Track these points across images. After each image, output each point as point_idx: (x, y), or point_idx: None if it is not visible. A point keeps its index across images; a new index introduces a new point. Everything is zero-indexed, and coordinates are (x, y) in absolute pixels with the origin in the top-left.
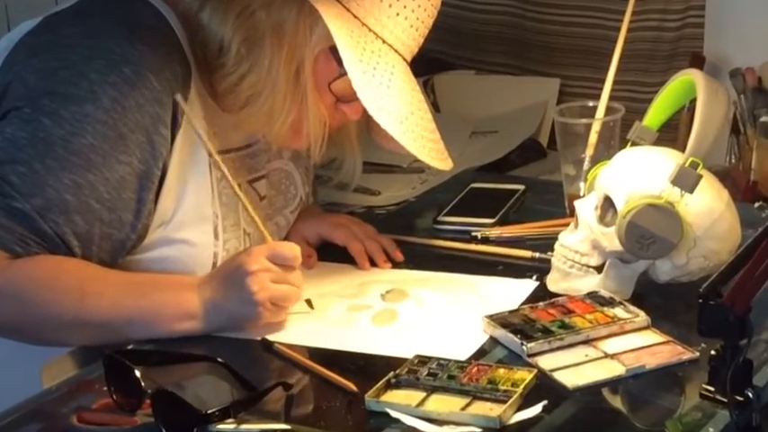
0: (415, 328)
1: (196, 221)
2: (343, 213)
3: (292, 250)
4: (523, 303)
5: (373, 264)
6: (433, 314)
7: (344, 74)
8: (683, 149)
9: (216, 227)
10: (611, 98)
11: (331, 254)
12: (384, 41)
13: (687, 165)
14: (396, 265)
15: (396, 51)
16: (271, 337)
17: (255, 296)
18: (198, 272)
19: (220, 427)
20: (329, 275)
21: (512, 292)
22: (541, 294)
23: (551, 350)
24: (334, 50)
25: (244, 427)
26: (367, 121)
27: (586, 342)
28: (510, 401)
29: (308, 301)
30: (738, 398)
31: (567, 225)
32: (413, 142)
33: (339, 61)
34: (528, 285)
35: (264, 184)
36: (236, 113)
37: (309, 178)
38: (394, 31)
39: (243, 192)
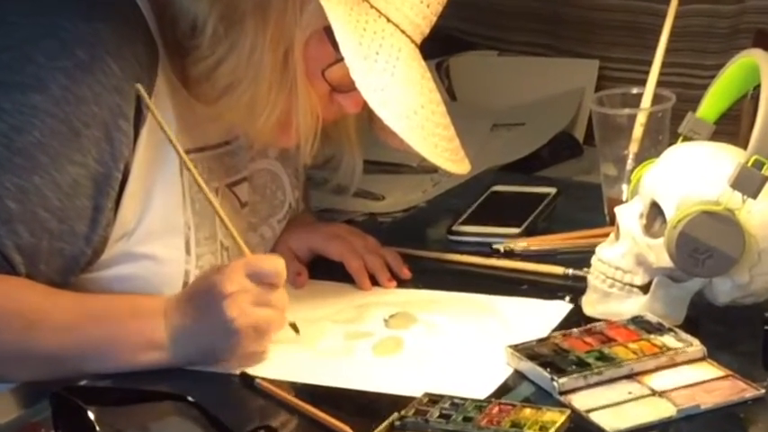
0: (424, 360)
1: (164, 233)
2: (339, 222)
3: (275, 264)
4: (554, 330)
5: (375, 282)
6: (445, 343)
7: (341, 59)
8: (744, 146)
9: (188, 240)
10: (660, 84)
11: (325, 271)
12: (389, 20)
13: (750, 164)
14: (402, 283)
15: (402, 32)
16: (251, 371)
17: (234, 323)
18: (165, 293)
19: None
20: (322, 296)
21: (540, 317)
22: (576, 319)
23: (587, 386)
24: (328, 31)
25: None
26: (369, 114)
27: (630, 377)
28: None
29: (293, 325)
30: None
31: (606, 236)
32: (422, 141)
33: (335, 44)
34: (560, 308)
35: (246, 188)
36: (212, 105)
37: (300, 181)
38: (401, 7)
39: (220, 197)
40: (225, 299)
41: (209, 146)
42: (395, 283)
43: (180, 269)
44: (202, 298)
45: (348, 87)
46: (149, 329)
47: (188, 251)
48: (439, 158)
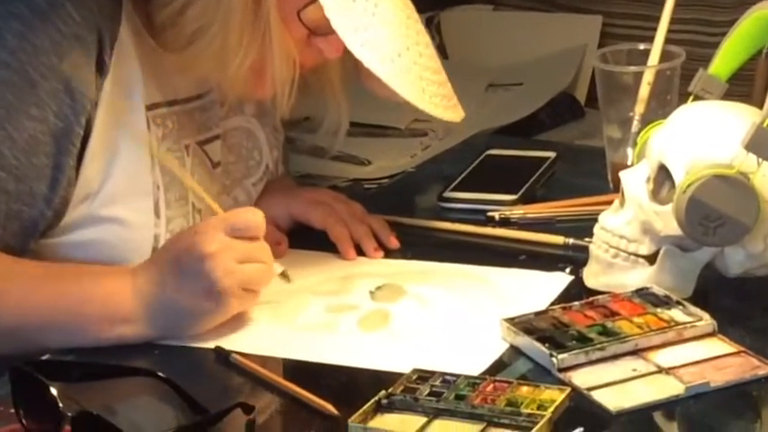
0: (413, 335)
1: (131, 195)
2: (322, 188)
3: (254, 216)
4: (553, 303)
5: (360, 252)
6: (436, 316)
7: None
8: (760, 105)
9: (157, 201)
10: (668, 41)
11: (306, 239)
12: None
13: (766, 124)
14: (389, 254)
15: None
16: (227, 346)
17: (220, 284)
18: (134, 260)
19: None
20: (302, 267)
21: (538, 289)
22: (577, 292)
23: (589, 363)
24: None
25: None
26: (354, 61)
27: (634, 353)
28: (535, 429)
29: (284, 274)
30: None
31: (609, 203)
32: (409, 86)
33: None
34: (560, 280)
35: (219, 147)
36: (180, 53)
37: (279, 141)
38: None
39: (191, 156)
40: (207, 259)
41: (179, 100)
42: (382, 253)
43: (149, 233)
44: (180, 261)
45: (327, 29)
46: (116, 301)
47: (157, 214)
48: (428, 104)
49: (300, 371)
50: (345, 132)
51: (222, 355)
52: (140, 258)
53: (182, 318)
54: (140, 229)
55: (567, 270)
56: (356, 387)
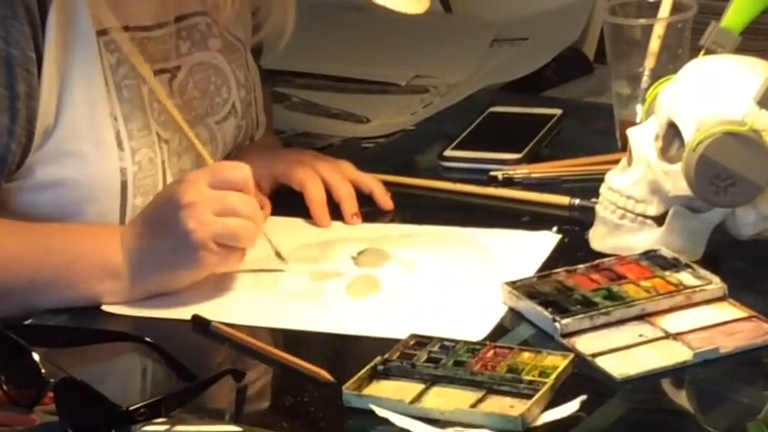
0: (407, 300)
1: (90, 127)
2: (308, 149)
3: (241, 171)
4: (557, 266)
5: (339, 217)
6: (426, 281)
7: None
8: None
9: (118, 133)
10: None
11: (291, 204)
12: None
13: None
14: (371, 218)
15: None
16: (207, 316)
17: (192, 235)
18: (103, 196)
19: (147, 428)
20: (277, 234)
21: (527, 250)
22: (582, 254)
23: (593, 328)
24: None
25: (179, 428)
26: None
27: (641, 318)
28: (537, 396)
29: (278, 254)
30: None
31: (617, 162)
32: None
33: None
34: (547, 239)
35: (178, 81)
36: None
37: (251, 81)
38: None
39: (146, 85)
40: (182, 209)
41: (133, 27)
42: (360, 221)
43: (114, 167)
44: (158, 211)
45: None
46: (105, 256)
47: (120, 145)
48: None
49: (288, 339)
50: (291, 30)
51: (201, 324)
52: (110, 195)
53: (160, 271)
54: (105, 163)
55: (554, 229)
56: (349, 354)
